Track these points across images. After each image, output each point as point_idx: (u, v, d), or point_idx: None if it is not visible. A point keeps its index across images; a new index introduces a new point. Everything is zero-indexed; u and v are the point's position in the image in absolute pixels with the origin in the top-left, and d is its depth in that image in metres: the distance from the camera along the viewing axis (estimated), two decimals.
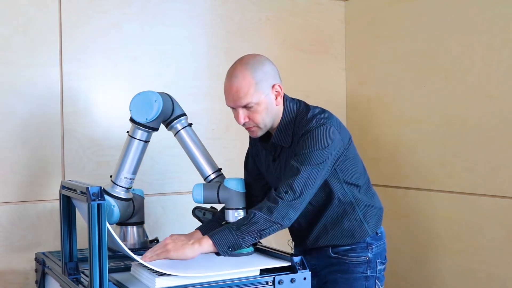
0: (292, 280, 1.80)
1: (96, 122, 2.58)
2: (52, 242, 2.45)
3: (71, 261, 1.85)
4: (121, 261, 2.06)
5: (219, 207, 2.21)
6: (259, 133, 1.98)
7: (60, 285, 1.90)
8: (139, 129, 2.15)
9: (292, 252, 2.14)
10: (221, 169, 2.26)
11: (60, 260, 1.91)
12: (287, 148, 1.97)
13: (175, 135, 2.25)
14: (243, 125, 1.96)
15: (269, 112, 1.93)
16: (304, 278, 1.82)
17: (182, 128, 2.23)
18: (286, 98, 2.00)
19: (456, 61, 2.56)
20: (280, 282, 1.79)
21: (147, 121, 2.12)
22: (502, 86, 2.37)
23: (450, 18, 2.58)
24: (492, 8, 2.40)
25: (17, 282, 2.43)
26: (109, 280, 1.64)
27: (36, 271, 2.23)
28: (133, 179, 2.20)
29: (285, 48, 3.03)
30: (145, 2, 2.68)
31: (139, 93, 2.13)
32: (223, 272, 1.78)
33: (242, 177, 2.18)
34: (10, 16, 2.41)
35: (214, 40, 2.85)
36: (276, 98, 1.94)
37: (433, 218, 2.69)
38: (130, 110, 2.13)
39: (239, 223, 1.81)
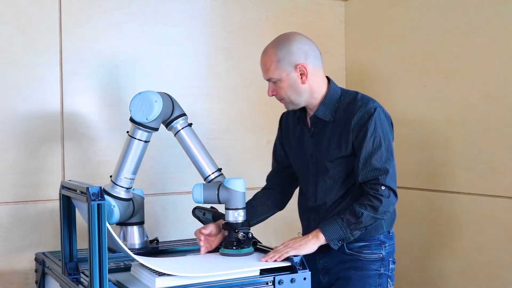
0: (292, 280, 1.80)
1: (96, 122, 2.58)
2: (52, 242, 2.45)
3: (71, 261, 1.86)
4: (121, 261, 2.06)
5: (219, 207, 2.21)
6: (290, 107, 2.07)
7: (60, 285, 1.90)
8: (139, 129, 2.15)
9: None
10: (221, 169, 2.26)
11: (60, 260, 1.91)
12: (328, 122, 2.04)
13: (175, 135, 2.25)
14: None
15: (294, 90, 2.00)
16: (304, 278, 1.82)
17: (182, 128, 2.23)
18: (331, 81, 2.08)
19: (456, 61, 2.56)
20: (280, 282, 1.79)
21: (147, 121, 2.12)
22: (502, 86, 2.37)
23: (450, 18, 2.58)
24: (492, 8, 2.40)
25: (17, 282, 2.43)
26: (109, 280, 1.64)
27: (36, 271, 2.23)
28: (133, 179, 2.20)
29: None
30: (145, 2, 2.68)
31: (139, 93, 2.13)
32: (223, 272, 1.78)
33: (242, 177, 2.17)
34: (10, 16, 2.41)
35: (214, 40, 2.85)
36: (301, 77, 1.99)
37: (433, 218, 2.69)
38: (130, 110, 2.13)
39: (349, 221, 1.92)
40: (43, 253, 2.21)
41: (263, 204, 2.21)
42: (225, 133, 2.87)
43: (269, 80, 2.03)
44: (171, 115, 2.21)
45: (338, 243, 1.94)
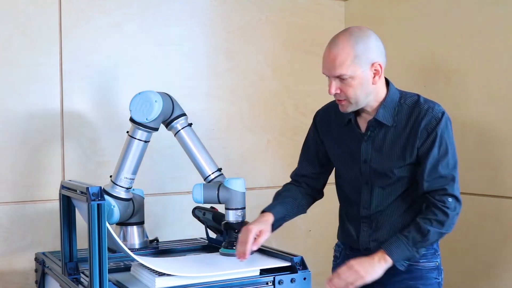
0: (292, 280, 1.80)
1: (96, 122, 2.58)
2: (52, 242, 2.45)
3: (71, 261, 1.86)
4: (121, 261, 2.06)
5: (219, 207, 2.22)
6: (349, 109, 1.88)
7: (60, 285, 1.90)
8: (139, 129, 2.15)
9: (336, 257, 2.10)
10: (221, 169, 2.26)
11: (60, 260, 1.91)
12: (388, 127, 1.90)
13: (175, 135, 2.25)
14: (334, 96, 1.88)
15: (364, 89, 1.84)
16: (304, 278, 1.82)
17: (182, 128, 2.23)
18: (390, 82, 1.95)
19: (456, 61, 2.56)
20: (280, 282, 1.79)
21: (147, 121, 2.12)
22: (502, 86, 2.37)
23: (450, 18, 2.58)
24: (492, 8, 2.40)
25: (17, 282, 2.43)
26: (109, 280, 1.64)
27: (36, 271, 2.23)
28: (133, 179, 2.20)
29: (285, 48, 3.03)
30: (145, 2, 2.68)
31: (139, 93, 2.13)
32: (223, 272, 1.78)
33: (242, 177, 2.17)
34: (10, 16, 2.41)
35: (214, 40, 2.85)
36: (374, 76, 1.84)
37: None
38: (130, 110, 2.13)
39: (415, 239, 1.82)
40: (43, 253, 2.21)
41: (293, 204, 2.06)
42: (225, 133, 2.87)
43: (338, 76, 1.82)
44: (171, 115, 2.21)
45: (404, 263, 1.83)
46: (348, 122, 1.96)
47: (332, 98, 1.96)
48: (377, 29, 2.99)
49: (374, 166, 1.92)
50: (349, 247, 2.06)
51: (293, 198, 2.05)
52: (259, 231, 1.87)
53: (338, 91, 1.84)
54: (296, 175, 2.13)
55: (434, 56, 2.66)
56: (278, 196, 2.07)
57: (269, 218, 1.94)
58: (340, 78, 1.82)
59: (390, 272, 1.90)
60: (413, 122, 1.87)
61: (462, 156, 2.53)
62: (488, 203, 2.43)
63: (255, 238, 1.85)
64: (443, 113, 1.88)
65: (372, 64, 1.83)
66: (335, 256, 2.14)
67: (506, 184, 2.36)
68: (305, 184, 2.10)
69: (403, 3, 2.83)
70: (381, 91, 1.90)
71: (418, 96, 1.94)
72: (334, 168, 2.10)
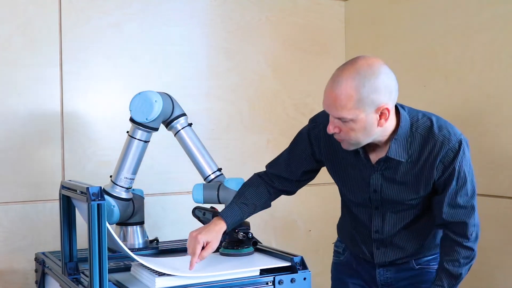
0: (292, 280, 1.80)
1: (96, 122, 2.58)
2: (52, 242, 2.45)
3: (71, 261, 1.86)
4: (121, 261, 2.06)
5: (219, 207, 2.21)
6: (350, 148, 1.75)
7: (60, 285, 1.90)
8: (139, 129, 2.15)
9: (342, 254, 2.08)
10: (221, 169, 2.26)
11: (60, 260, 1.91)
12: (402, 162, 1.76)
13: (175, 135, 2.25)
14: (333, 135, 1.74)
15: (367, 133, 1.68)
16: (304, 278, 1.82)
17: (182, 128, 2.23)
18: (400, 110, 1.76)
19: (456, 61, 2.56)
20: (280, 282, 1.79)
21: (147, 121, 2.12)
22: (502, 86, 2.37)
23: (450, 18, 2.58)
24: (492, 8, 2.40)
25: (17, 282, 2.43)
26: (109, 280, 1.64)
27: (36, 271, 2.23)
28: (133, 179, 2.19)
29: (285, 48, 3.03)
30: (145, 2, 2.68)
31: (139, 93, 2.13)
32: (223, 272, 1.78)
33: (242, 177, 2.17)
34: (10, 16, 2.41)
35: (214, 40, 2.85)
36: (380, 118, 1.67)
37: None
38: (130, 110, 2.12)
39: (450, 285, 1.79)
40: (43, 253, 2.21)
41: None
42: (225, 133, 2.87)
43: (338, 118, 1.67)
44: (171, 115, 2.21)
45: None
46: (356, 152, 1.82)
47: None
48: (377, 29, 3.01)
49: (385, 196, 1.84)
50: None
51: (257, 198, 1.96)
52: (206, 242, 1.79)
53: (337, 131, 1.70)
54: (272, 174, 2.00)
55: (434, 56, 2.66)
56: (240, 195, 1.96)
57: (221, 227, 1.85)
58: (341, 120, 1.68)
59: (400, 276, 1.91)
60: (427, 155, 1.75)
61: None
62: (488, 203, 2.43)
63: (203, 248, 1.79)
64: (460, 143, 1.75)
65: (378, 108, 1.65)
66: (336, 252, 2.11)
67: (506, 184, 2.36)
68: (279, 184, 1.99)
69: (403, 3, 2.83)
70: (390, 127, 1.73)
71: (431, 121, 1.77)
72: (338, 188, 1.99)
